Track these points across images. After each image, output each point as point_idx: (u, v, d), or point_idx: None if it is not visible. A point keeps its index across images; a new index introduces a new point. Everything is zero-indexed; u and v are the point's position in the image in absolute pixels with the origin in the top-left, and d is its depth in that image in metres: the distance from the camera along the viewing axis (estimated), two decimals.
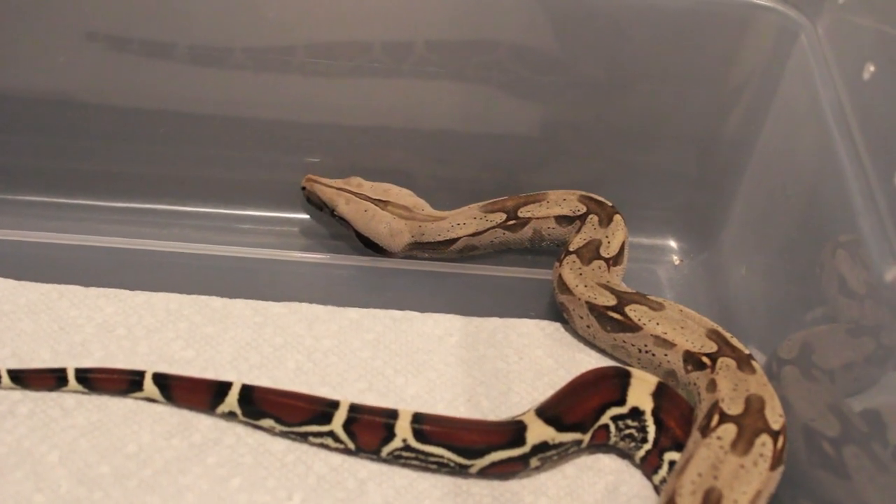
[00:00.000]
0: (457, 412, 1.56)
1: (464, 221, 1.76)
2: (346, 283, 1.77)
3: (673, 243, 1.93)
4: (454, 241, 1.76)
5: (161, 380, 1.52)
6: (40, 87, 1.80)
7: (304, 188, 1.79)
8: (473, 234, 1.76)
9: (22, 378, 1.52)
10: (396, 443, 1.47)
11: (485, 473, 1.48)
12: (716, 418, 1.41)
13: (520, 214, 1.76)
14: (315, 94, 1.82)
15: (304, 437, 1.50)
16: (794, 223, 1.68)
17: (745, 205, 1.82)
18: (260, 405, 1.50)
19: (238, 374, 1.58)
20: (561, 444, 1.48)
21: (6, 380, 1.51)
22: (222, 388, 1.51)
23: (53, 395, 1.52)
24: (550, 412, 1.48)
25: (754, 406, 1.42)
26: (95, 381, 1.52)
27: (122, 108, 1.83)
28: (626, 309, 1.60)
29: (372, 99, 1.82)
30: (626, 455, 1.54)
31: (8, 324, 1.61)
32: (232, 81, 1.80)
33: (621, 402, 1.50)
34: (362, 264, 1.79)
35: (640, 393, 1.51)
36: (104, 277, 1.70)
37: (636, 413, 1.50)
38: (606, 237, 1.71)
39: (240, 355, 1.61)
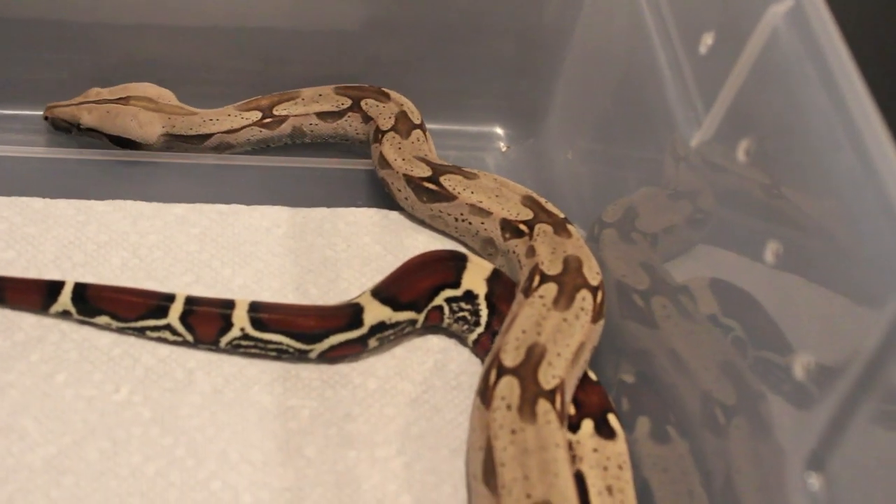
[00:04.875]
0: (285, 300, 1.57)
1: (217, 118, 1.76)
2: (171, 179, 1.74)
3: (499, 130, 1.95)
4: (208, 136, 1.76)
5: None
6: None
7: (46, 117, 1.76)
8: (228, 132, 1.76)
9: None
10: (234, 332, 1.47)
11: (325, 357, 1.50)
12: (537, 279, 1.46)
13: (275, 112, 1.77)
14: None
15: (141, 332, 1.49)
16: (612, 103, 1.72)
17: (568, 89, 1.85)
18: (94, 303, 1.48)
19: (61, 273, 1.56)
20: (397, 324, 1.50)
21: None
22: (55, 288, 1.49)
23: None
24: (386, 292, 1.50)
25: (572, 265, 1.47)
26: None
27: None
28: (441, 179, 1.64)
29: None
30: (459, 338, 1.57)
31: None
32: None
33: (456, 284, 1.53)
34: (186, 161, 1.77)
35: (475, 277, 1.54)
36: None
37: (470, 296, 1.53)
38: (401, 106, 1.76)
39: (63, 254, 1.59)
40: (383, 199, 1.73)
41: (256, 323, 1.47)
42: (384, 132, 1.72)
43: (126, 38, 1.82)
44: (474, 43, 1.86)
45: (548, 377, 1.34)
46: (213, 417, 1.43)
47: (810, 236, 1.19)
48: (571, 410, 1.40)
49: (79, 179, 1.73)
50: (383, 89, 1.79)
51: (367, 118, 1.76)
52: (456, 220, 1.64)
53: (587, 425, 1.39)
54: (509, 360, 1.35)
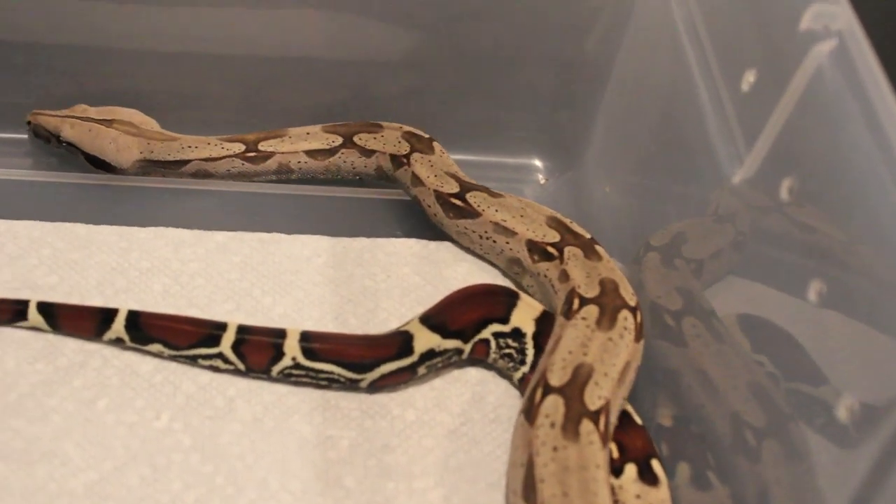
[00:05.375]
0: (325, 329, 1.58)
1: (196, 145, 1.77)
2: (213, 207, 1.76)
3: (538, 162, 1.97)
4: (185, 162, 1.77)
5: (46, 308, 1.51)
6: None
7: (29, 122, 1.79)
8: (206, 159, 1.77)
9: None
10: (286, 361, 1.48)
11: (375, 386, 1.51)
12: (576, 302, 1.48)
13: (261, 148, 1.78)
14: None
15: (193, 360, 1.50)
16: (652, 139, 1.72)
17: (607, 123, 1.86)
18: (147, 330, 1.50)
19: (104, 299, 1.57)
20: (445, 352, 1.51)
21: None
22: (108, 315, 1.50)
23: None
24: (435, 319, 1.51)
25: (609, 287, 1.49)
26: None
27: None
28: (468, 195, 1.67)
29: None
30: (504, 375, 1.57)
31: None
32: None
33: (504, 320, 1.53)
34: (227, 189, 1.78)
35: (525, 315, 1.54)
36: None
37: (518, 334, 1.53)
38: (401, 128, 1.79)
39: (105, 280, 1.60)
40: (423, 229, 1.74)
41: (307, 352, 1.48)
42: (407, 155, 1.74)
43: (125, 64, 1.84)
44: (513, 74, 1.88)
45: (594, 398, 1.35)
46: (253, 446, 1.44)
47: (855, 276, 1.19)
48: (615, 454, 1.40)
49: (120, 205, 1.74)
50: (372, 122, 1.80)
51: (367, 152, 1.78)
52: (480, 237, 1.66)
53: (630, 470, 1.39)
54: (555, 379, 1.37)
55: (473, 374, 1.57)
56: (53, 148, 1.78)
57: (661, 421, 1.49)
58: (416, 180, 1.72)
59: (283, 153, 1.78)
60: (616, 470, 1.39)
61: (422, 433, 1.48)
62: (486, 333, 1.53)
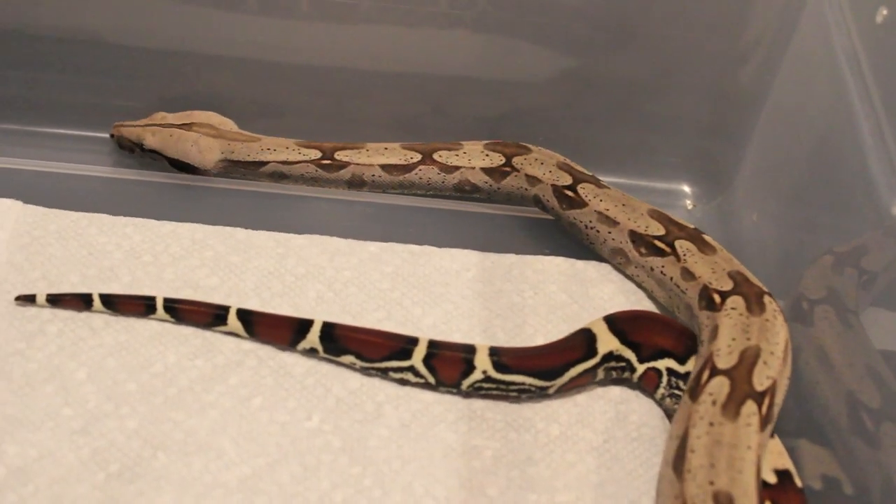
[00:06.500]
0: (473, 342, 1.60)
1: (275, 147, 1.81)
2: (366, 218, 1.80)
3: (686, 188, 1.97)
4: (263, 163, 1.80)
5: (245, 315, 1.56)
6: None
7: (112, 135, 1.84)
8: (283, 162, 1.80)
9: (113, 303, 1.57)
10: (477, 375, 1.51)
11: (561, 391, 1.54)
12: (716, 297, 1.52)
13: (336, 157, 1.81)
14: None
15: (384, 373, 1.54)
16: (806, 168, 1.72)
17: (759, 151, 1.86)
18: (341, 342, 1.54)
19: (261, 302, 1.62)
20: (621, 358, 1.54)
21: (97, 303, 1.56)
22: (304, 326, 1.55)
23: (82, 315, 1.56)
24: (618, 324, 1.55)
25: (740, 278, 1.54)
26: (182, 311, 1.57)
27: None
28: (578, 187, 1.72)
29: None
30: (669, 415, 1.56)
31: (38, 248, 1.65)
32: None
33: (682, 360, 1.54)
34: (382, 201, 1.82)
35: None
36: (130, 207, 1.73)
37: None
38: (480, 142, 1.81)
39: (262, 284, 1.65)
40: (570, 247, 1.76)
41: (498, 365, 1.51)
42: (507, 163, 1.78)
43: (207, 69, 1.90)
44: (665, 100, 1.89)
45: (762, 378, 1.37)
46: (400, 451, 1.47)
47: None
48: None
49: (275, 212, 1.79)
50: (452, 142, 1.82)
51: (449, 168, 1.79)
52: (586, 227, 1.71)
53: None
54: (723, 363, 1.40)
55: (616, 392, 1.58)
56: (138, 157, 1.84)
57: (811, 483, 1.47)
58: (533, 180, 1.76)
59: (357, 164, 1.80)
60: None
61: (565, 448, 1.50)
62: (661, 365, 1.54)
